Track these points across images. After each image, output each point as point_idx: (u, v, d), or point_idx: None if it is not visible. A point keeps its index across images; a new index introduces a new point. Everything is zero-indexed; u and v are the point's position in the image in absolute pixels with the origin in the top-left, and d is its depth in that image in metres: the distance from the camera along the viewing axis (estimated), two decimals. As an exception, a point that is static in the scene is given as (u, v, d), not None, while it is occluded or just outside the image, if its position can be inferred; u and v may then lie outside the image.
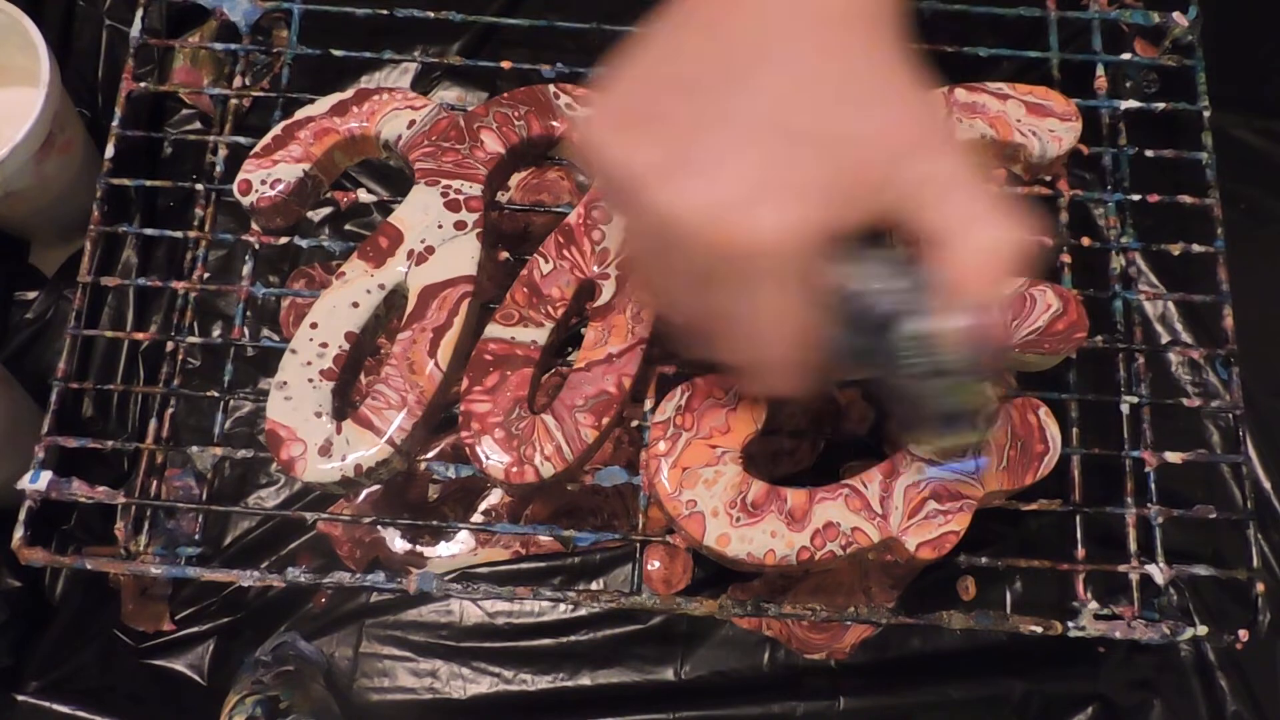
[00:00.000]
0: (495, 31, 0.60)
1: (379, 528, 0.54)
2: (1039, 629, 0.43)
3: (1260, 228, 0.58)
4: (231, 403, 0.50)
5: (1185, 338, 0.56)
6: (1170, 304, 0.57)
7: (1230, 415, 0.50)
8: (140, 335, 0.55)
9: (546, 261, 0.43)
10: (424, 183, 0.44)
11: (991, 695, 0.52)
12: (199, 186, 0.51)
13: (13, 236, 0.59)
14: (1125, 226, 0.51)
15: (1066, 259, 0.49)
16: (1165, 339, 0.56)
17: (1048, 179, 0.49)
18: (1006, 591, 0.53)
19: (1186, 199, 0.50)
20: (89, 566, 0.44)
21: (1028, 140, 0.45)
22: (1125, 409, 0.48)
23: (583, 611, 0.53)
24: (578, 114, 0.45)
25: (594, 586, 0.54)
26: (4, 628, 0.50)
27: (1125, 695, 0.51)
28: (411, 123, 0.45)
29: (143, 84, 0.53)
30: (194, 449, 0.46)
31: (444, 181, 0.43)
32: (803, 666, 0.52)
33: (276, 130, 0.45)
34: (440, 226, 0.43)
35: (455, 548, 0.54)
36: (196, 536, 0.47)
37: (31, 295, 0.58)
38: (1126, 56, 0.53)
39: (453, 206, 0.43)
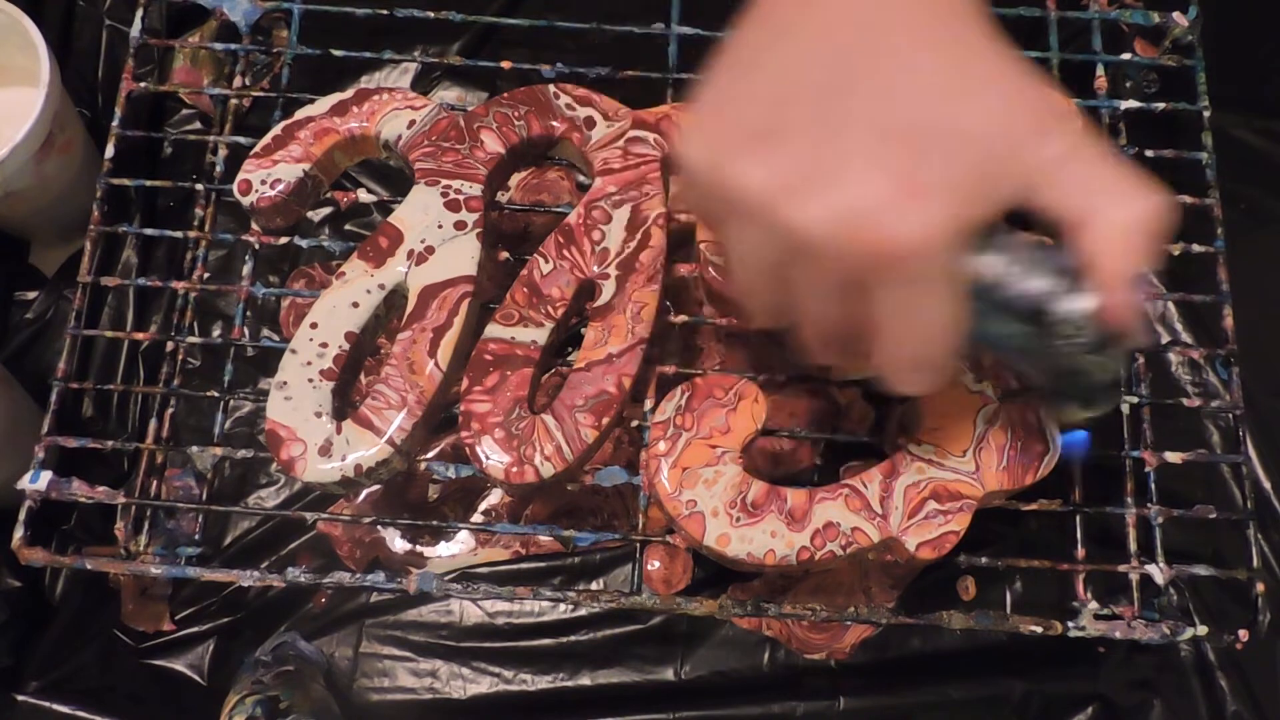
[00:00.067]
0: (495, 31, 0.60)
1: (379, 528, 0.54)
2: (1039, 629, 0.43)
3: (1260, 228, 0.58)
4: (231, 403, 0.50)
5: (1185, 338, 0.56)
6: (1170, 304, 0.57)
7: (1230, 415, 0.50)
8: (140, 335, 0.55)
9: (546, 261, 0.43)
10: (424, 183, 0.44)
11: (991, 695, 0.52)
12: (199, 186, 0.51)
13: (13, 236, 0.59)
14: (1125, 226, 0.51)
15: (1066, 259, 0.48)
16: (1165, 339, 0.56)
17: (1048, 179, 0.49)
18: (1006, 591, 0.53)
19: (1186, 199, 0.50)
20: (89, 566, 0.44)
21: (1028, 140, 0.45)
22: (1125, 409, 0.48)
23: (583, 611, 0.53)
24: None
25: (594, 586, 0.54)
26: (4, 628, 0.50)
27: (1125, 695, 0.51)
28: (411, 123, 0.45)
29: (143, 84, 0.53)
30: (194, 449, 0.46)
31: (444, 181, 0.43)
32: (803, 666, 0.52)
33: (276, 130, 0.45)
34: (440, 226, 0.43)
35: (455, 548, 0.54)
36: (196, 536, 0.47)
37: (31, 295, 0.58)
38: (1126, 56, 0.53)
39: (453, 206, 0.43)
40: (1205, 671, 0.52)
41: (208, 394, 0.48)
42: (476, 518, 0.54)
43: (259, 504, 0.54)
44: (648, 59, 0.51)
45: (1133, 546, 0.45)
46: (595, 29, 0.51)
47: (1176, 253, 0.49)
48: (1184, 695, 0.51)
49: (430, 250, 0.42)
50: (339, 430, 0.40)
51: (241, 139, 0.50)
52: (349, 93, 0.45)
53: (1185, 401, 0.49)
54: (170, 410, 0.49)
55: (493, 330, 0.42)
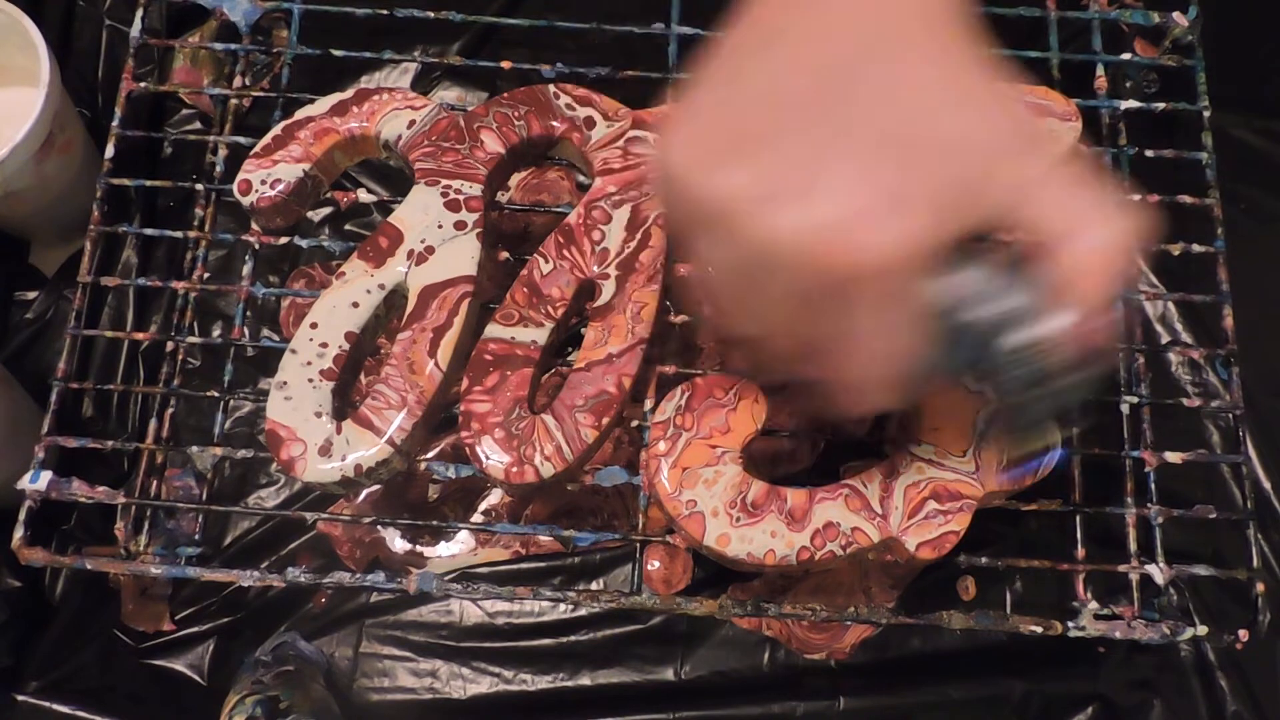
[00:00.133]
0: (495, 31, 0.60)
1: (379, 528, 0.54)
2: (1039, 629, 0.43)
3: (1260, 228, 0.58)
4: (231, 403, 0.50)
5: (1185, 338, 0.56)
6: (1170, 304, 0.57)
7: (1230, 415, 0.50)
8: (140, 335, 0.55)
9: (546, 261, 0.43)
10: (424, 183, 0.44)
11: (991, 695, 0.52)
12: (199, 186, 0.51)
13: (13, 236, 0.59)
14: (1125, 226, 0.51)
15: (1066, 259, 0.48)
16: (1165, 339, 0.56)
17: (1048, 179, 0.49)
18: (1006, 591, 0.53)
19: (1186, 199, 0.50)
20: (89, 566, 0.44)
21: (1028, 140, 0.45)
22: (1125, 409, 0.48)
23: (583, 611, 0.53)
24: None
25: (594, 586, 0.54)
26: (4, 628, 0.50)
27: (1125, 695, 0.51)
28: (411, 123, 0.45)
29: (143, 84, 0.53)
30: (194, 449, 0.46)
31: (444, 181, 0.43)
32: (803, 666, 0.52)
33: (276, 130, 0.45)
34: (440, 226, 0.43)
35: (455, 548, 0.54)
36: (196, 536, 0.47)
37: (31, 295, 0.58)
38: (1126, 56, 0.53)
39: (453, 206, 0.43)
40: (1205, 671, 0.52)
41: (208, 394, 0.48)
42: (476, 518, 0.54)
43: (259, 504, 0.54)
44: (648, 59, 0.51)
45: (1133, 546, 0.45)
46: (595, 29, 0.51)
47: (1176, 253, 0.49)
48: (1184, 695, 0.51)
49: (430, 250, 0.42)
50: (339, 430, 0.40)
51: (241, 139, 0.50)
52: (349, 93, 0.45)
53: (1185, 401, 0.49)
54: (170, 410, 0.49)
55: (493, 330, 0.42)
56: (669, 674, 0.52)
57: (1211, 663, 0.52)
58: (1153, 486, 0.46)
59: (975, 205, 0.29)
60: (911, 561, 0.40)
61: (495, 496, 0.55)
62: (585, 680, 0.52)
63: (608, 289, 0.42)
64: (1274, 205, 0.59)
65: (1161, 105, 0.52)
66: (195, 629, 0.52)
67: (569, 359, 0.43)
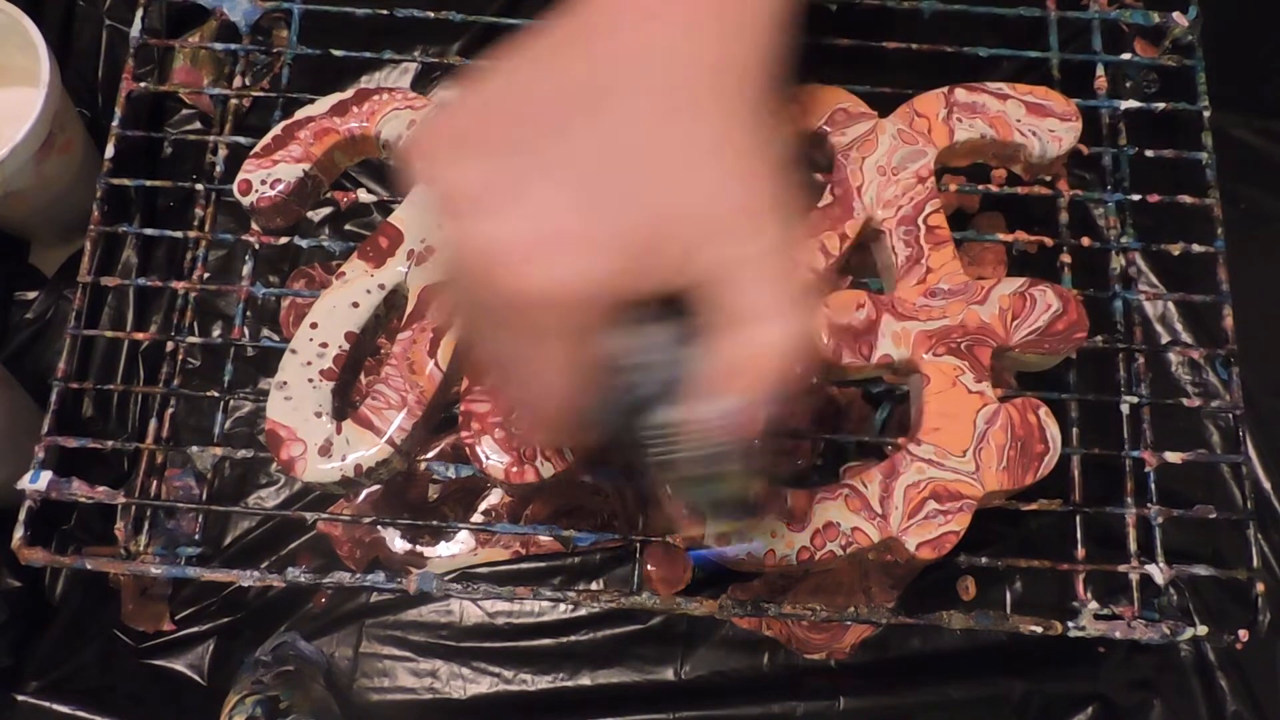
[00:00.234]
0: (495, 31, 0.60)
1: (379, 528, 0.54)
2: (1039, 629, 0.43)
3: (1260, 228, 0.58)
4: (231, 403, 0.50)
5: (1185, 338, 0.56)
6: (1170, 304, 0.57)
7: (1230, 415, 0.50)
8: (140, 335, 0.55)
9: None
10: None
11: (991, 695, 0.52)
12: (199, 186, 0.51)
13: (13, 236, 0.59)
14: (1125, 226, 0.51)
15: (1066, 259, 0.48)
16: (1165, 339, 0.56)
17: (1048, 179, 0.49)
18: (1006, 591, 0.53)
19: (1186, 199, 0.50)
20: (89, 566, 0.44)
21: (1028, 140, 0.45)
22: (1125, 409, 0.48)
23: (583, 611, 0.53)
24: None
25: (594, 586, 0.54)
26: (4, 628, 0.50)
27: (1125, 695, 0.51)
28: (412, 122, 0.45)
29: (143, 84, 0.53)
30: (194, 449, 0.46)
31: (444, 181, 0.43)
32: (803, 666, 0.52)
33: (276, 130, 0.45)
34: (440, 226, 0.43)
35: (455, 548, 0.54)
36: (196, 536, 0.47)
37: (31, 295, 0.58)
38: (1126, 56, 0.53)
39: (453, 206, 0.43)
40: (1205, 671, 0.52)
41: (208, 394, 0.48)
42: (476, 518, 0.54)
43: (259, 504, 0.54)
44: (647, 59, 0.51)
45: (1133, 546, 0.46)
46: (595, 29, 0.51)
47: (1176, 253, 0.49)
48: (1184, 695, 0.51)
49: (430, 250, 0.42)
50: (339, 430, 0.40)
51: (241, 139, 0.50)
52: (349, 93, 0.45)
53: (1185, 401, 0.49)
54: (170, 410, 0.49)
55: (493, 330, 0.42)
56: (669, 674, 0.52)
57: (1211, 663, 0.52)
58: (1153, 486, 0.46)
59: (673, 271, 0.28)
60: (911, 561, 0.40)
61: (495, 496, 0.55)
62: (585, 680, 0.52)
63: (608, 289, 0.42)
64: (1274, 205, 0.59)
65: (1161, 105, 0.52)
66: (195, 629, 0.52)
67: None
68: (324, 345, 0.41)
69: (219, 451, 0.46)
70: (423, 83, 0.61)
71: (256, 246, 0.49)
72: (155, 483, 0.51)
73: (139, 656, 0.52)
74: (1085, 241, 0.49)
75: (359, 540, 0.54)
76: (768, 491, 0.34)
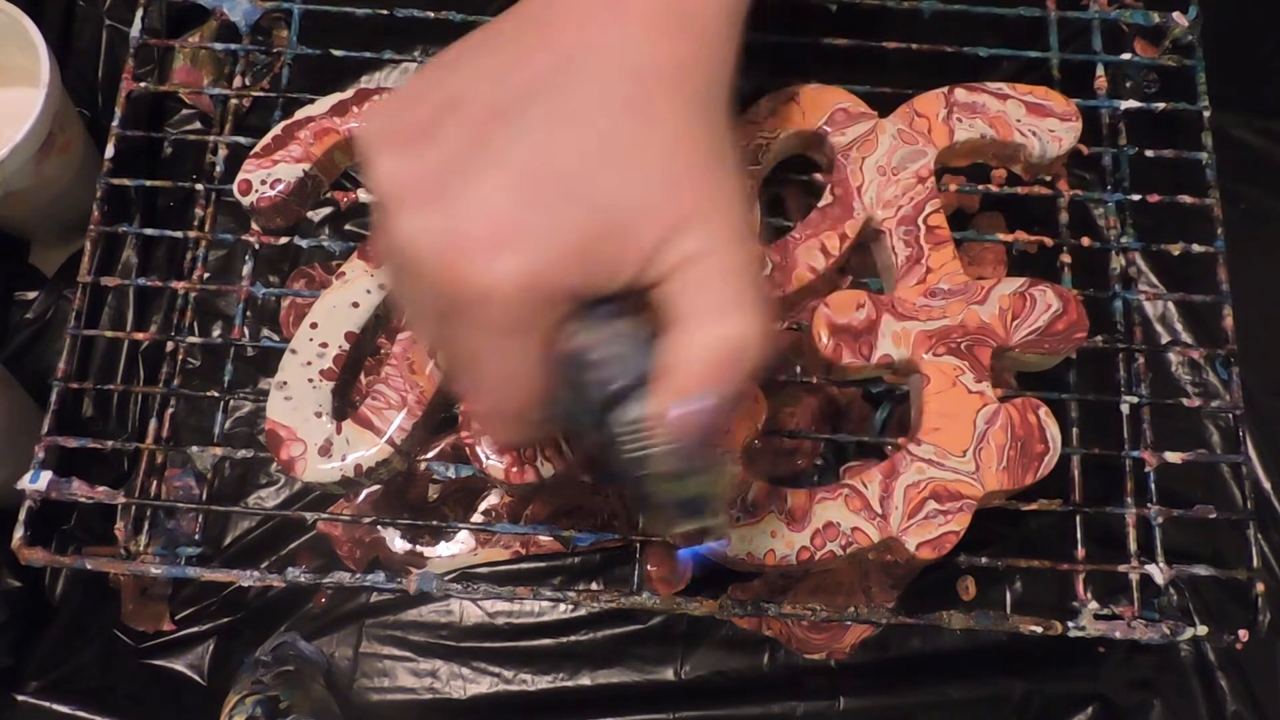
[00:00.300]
0: (495, 31, 0.60)
1: (379, 528, 0.54)
2: (1039, 629, 0.43)
3: (1260, 228, 0.58)
4: (231, 403, 0.50)
5: (1185, 338, 0.56)
6: (1170, 304, 0.57)
7: (1230, 415, 0.50)
8: (140, 335, 0.55)
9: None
10: (424, 183, 0.43)
11: (991, 695, 0.52)
12: (199, 186, 0.51)
13: (13, 236, 0.59)
14: (1125, 226, 0.51)
15: (1066, 259, 0.49)
16: (1165, 339, 0.56)
17: (1048, 179, 0.49)
18: (1006, 591, 0.53)
19: (1186, 199, 0.50)
20: (89, 566, 0.44)
21: (1028, 140, 0.45)
22: (1125, 409, 0.48)
23: (583, 611, 0.53)
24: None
25: (594, 586, 0.54)
26: (4, 628, 0.50)
27: (1125, 695, 0.51)
28: (411, 123, 0.45)
29: (143, 84, 0.53)
30: (194, 449, 0.46)
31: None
32: (803, 666, 0.52)
33: (276, 130, 0.45)
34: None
35: (455, 548, 0.54)
36: (196, 536, 0.47)
37: (31, 295, 0.58)
38: (1126, 56, 0.53)
39: (453, 206, 0.43)
40: (1205, 671, 0.52)
41: (208, 394, 0.48)
42: (476, 518, 0.54)
43: (259, 504, 0.54)
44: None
45: (1133, 546, 0.46)
46: (595, 29, 0.51)
47: (1176, 253, 0.49)
48: (1184, 695, 0.51)
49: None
50: (339, 430, 0.40)
51: (241, 139, 0.50)
52: (349, 93, 0.45)
53: (1185, 401, 0.49)
54: (170, 410, 0.49)
55: (493, 330, 0.42)
56: (669, 674, 0.52)
57: (1211, 663, 0.52)
58: (1153, 486, 0.46)
59: (628, 267, 0.28)
60: (911, 561, 0.40)
61: (495, 496, 0.55)
62: (585, 680, 0.52)
63: (608, 289, 0.42)
64: (1274, 205, 0.59)
65: (1161, 105, 0.52)
66: (195, 629, 0.52)
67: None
68: (324, 345, 0.41)
69: (219, 451, 0.46)
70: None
71: (256, 246, 0.49)
72: (155, 483, 0.51)
73: (139, 656, 0.52)
74: (1085, 241, 0.49)
75: (359, 540, 0.54)
76: (730, 490, 0.34)
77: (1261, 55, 0.61)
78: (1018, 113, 0.45)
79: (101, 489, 0.45)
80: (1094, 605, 0.44)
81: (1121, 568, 0.45)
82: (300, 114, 0.45)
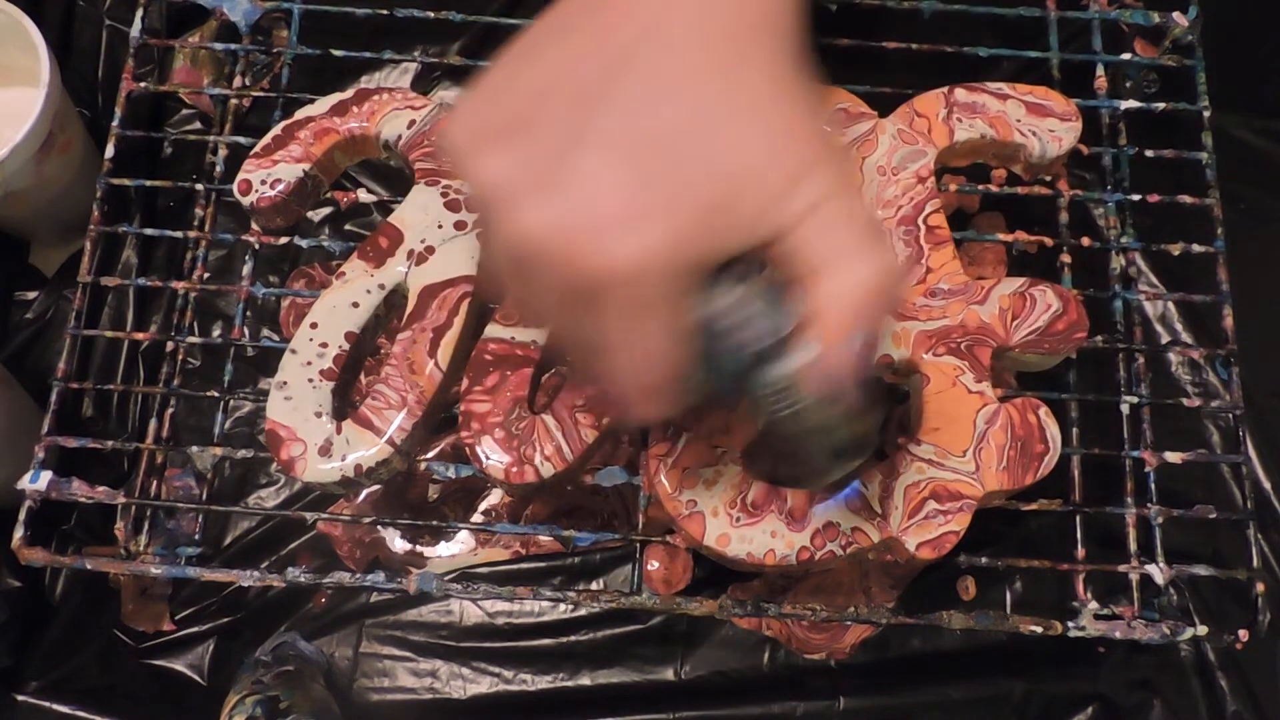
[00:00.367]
0: (495, 31, 0.60)
1: (379, 528, 0.54)
2: (1039, 629, 0.43)
3: (1260, 228, 0.58)
4: (231, 403, 0.50)
5: (1185, 338, 0.56)
6: (1170, 304, 0.57)
7: (1230, 415, 0.50)
8: (140, 335, 0.55)
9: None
10: (424, 183, 0.44)
11: (991, 695, 0.52)
12: (199, 186, 0.51)
13: (13, 236, 0.59)
14: (1125, 226, 0.51)
15: (1066, 259, 0.49)
16: (1165, 339, 0.56)
17: (1048, 179, 0.49)
18: (1006, 591, 0.53)
19: (1186, 199, 0.50)
20: (89, 566, 0.44)
21: (1028, 140, 0.45)
22: (1125, 409, 0.48)
23: (583, 611, 0.53)
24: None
25: (594, 586, 0.54)
26: (4, 628, 0.50)
27: (1125, 695, 0.51)
28: (411, 123, 0.45)
29: (143, 84, 0.53)
30: (194, 449, 0.46)
31: (444, 181, 0.43)
32: (803, 666, 0.52)
33: (276, 130, 0.45)
34: (440, 226, 0.43)
35: (455, 548, 0.54)
36: (196, 536, 0.47)
37: (31, 295, 0.58)
38: (1126, 56, 0.54)
39: (453, 206, 0.43)
40: (1205, 671, 0.52)
41: (208, 394, 0.48)
42: (476, 518, 0.54)
43: (259, 504, 0.54)
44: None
45: (1133, 546, 0.46)
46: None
47: (1176, 253, 0.49)
48: (1184, 695, 0.51)
49: (430, 250, 0.42)
50: (339, 430, 0.40)
51: (241, 139, 0.50)
52: (349, 93, 0.45)
53: (1185, 401, 0.49)
54: (170, 410, 0.49)
55: (493, 330, 0.42)
56: (669, 674, 0.52)
57: (1211, 663, 0.52)
58: (1153, 486, 0.46)
59: (731, 228, 0.28)
60: (911, 561, 0.40)
61: (495, 496, 0.55)
62: (585, 680, 0.52)
63: (608, 289, 0.42)
64: (1274, 205, 0.59)
65: (1161, 105, 0.52)
66: (195, 629, 0.52)
67: (569, 359, 0.43)
68: (324, 345, 0.41)
69: (219, 451, 0.46)
70: (423, 83, 0.61)
71: (256, 246, 0.49)
72: (155, 483, 0.51)
73: (139, 656, 0.52)
74: (1085, 241, 0.49)
75: (359, 540, 0.54)
76: (876, 428, 0.34)
77: (1261, 55, 0.61)
78: (1018, 113, 0.45)
79: (101, 489, 0.45)
80: (1094, 605, 0.44)
81: (1121, 568, 0.45)
82: (300, 114, 0.45)
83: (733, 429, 0.41)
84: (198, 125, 0.60)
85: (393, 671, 0.52)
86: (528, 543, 0.54)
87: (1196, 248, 0.49)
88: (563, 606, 0.53)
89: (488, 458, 0.40)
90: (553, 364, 0.43)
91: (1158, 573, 0.45)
